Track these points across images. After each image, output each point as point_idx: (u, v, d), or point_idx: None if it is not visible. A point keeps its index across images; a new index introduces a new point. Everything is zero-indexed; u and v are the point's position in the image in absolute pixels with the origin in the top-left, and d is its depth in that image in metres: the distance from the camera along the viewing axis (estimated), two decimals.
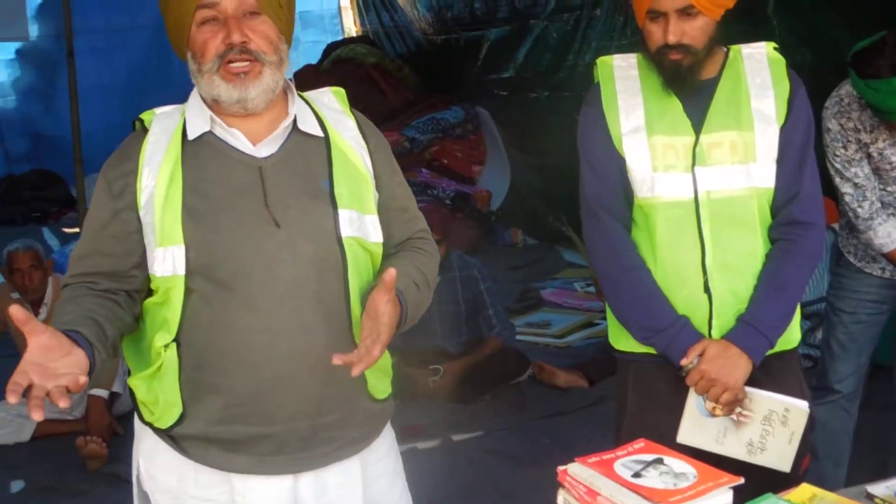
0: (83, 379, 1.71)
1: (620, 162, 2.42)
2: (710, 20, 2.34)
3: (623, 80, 2.46)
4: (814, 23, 5.37)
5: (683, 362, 2.34)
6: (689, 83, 2.39)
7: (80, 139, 6.82)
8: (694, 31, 2.33)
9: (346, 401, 2.06)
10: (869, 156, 3.20)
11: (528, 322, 6.17)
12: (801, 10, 5.55)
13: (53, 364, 1.69)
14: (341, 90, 2.20)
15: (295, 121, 2.06)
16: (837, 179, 3.23)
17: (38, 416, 1.62)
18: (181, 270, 1.93)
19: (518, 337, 5.47)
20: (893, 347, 3.59)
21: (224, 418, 1.99)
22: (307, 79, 8.95)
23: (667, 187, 2.39)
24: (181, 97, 2.11)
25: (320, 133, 2.07)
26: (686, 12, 2.31)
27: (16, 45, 9.85)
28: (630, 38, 6.42)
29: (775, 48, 2.48)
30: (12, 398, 1.62)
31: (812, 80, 3.28)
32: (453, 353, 5.01)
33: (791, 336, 2.48)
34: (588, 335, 5.84)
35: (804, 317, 3.90)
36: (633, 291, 2.42)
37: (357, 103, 2.21)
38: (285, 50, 2.04)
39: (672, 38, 2.32)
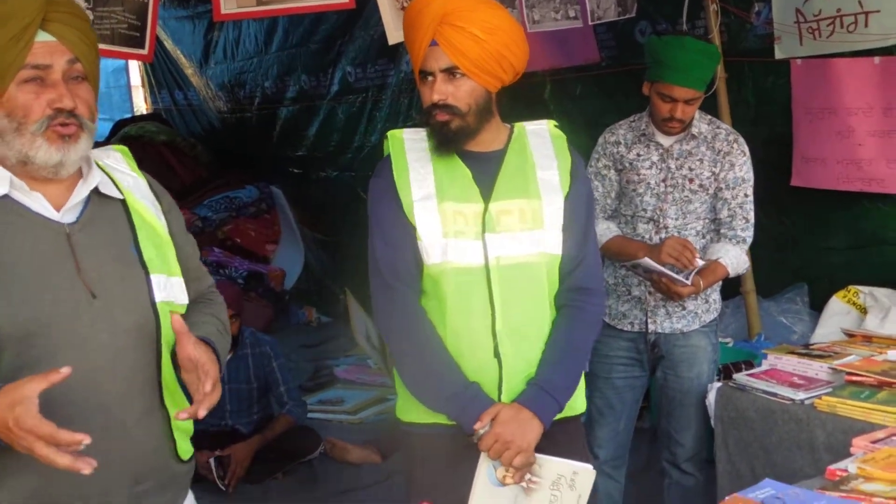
0: None
1: (411, 230, 2.43)
2: (478, 86, 2.41)
3: (414, 151, 2.49)
4: (584, 108, 5.71)
5: (477, 427, 2.34)
6: (457, 146, 2.44)
7: None
8: (459, 93, 2.39)
9: (160, 468, 2.03)
10: (622, 169, 3.57)
11: (321, 399, 6.16)
12: (573, 97, 5.88)
13: None
14: (124, 148, 2.16)
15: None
16: None
17: None
18: None
19: (311, 414, 5.47)
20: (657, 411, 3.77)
21: (39, 496, 1.87)
22: None
23: (458, 253, 2.41)
24: None
25: (119, 195, 2.02)
26: (451, 73, 2.39)
27: None
28: (415, 120, 6.58)
29: (555, 125, 2.59)
30: None
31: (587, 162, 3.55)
32: (244, 433, 4.96)
33: (575, 403, 2.53)
34: (380, 411, 5.87)
35: None
36: (425, 360, 2.42)
37: None
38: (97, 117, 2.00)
39: (436, 97, 2.39)
